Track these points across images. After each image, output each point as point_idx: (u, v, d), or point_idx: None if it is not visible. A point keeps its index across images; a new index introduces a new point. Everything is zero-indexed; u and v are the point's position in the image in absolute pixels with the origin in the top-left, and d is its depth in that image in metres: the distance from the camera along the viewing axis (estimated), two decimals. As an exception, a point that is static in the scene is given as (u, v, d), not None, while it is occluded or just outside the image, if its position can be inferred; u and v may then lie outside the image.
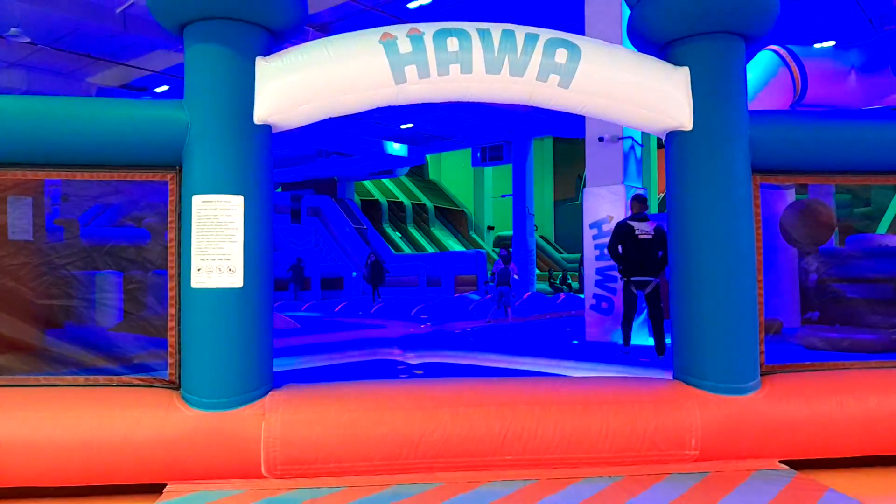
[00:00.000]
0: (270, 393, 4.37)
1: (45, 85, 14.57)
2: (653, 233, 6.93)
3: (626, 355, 7.24)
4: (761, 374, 4.64)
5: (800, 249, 7.96)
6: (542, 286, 26.40)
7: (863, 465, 4.53)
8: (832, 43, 12.67)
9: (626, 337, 7.50)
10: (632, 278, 7.01)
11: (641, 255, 6.91)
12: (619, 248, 7.08)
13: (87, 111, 4.43)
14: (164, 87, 16.65)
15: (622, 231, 7.06)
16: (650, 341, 8.83)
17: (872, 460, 4.54)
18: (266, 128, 4.40)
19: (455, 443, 4.19)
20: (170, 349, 4.41)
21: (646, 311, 7.82)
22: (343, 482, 4.04)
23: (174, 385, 4.37)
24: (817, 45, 12.03)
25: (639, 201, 7.28)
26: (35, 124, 4.27)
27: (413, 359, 7.50)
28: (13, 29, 12.10)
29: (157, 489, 3.97)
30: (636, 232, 6.95)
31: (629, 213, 7.62)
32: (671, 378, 4.85)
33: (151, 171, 4.44)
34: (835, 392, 4.56)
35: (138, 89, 16.68)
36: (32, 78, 14.47)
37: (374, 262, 18.29)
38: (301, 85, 4.33)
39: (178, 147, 4.28)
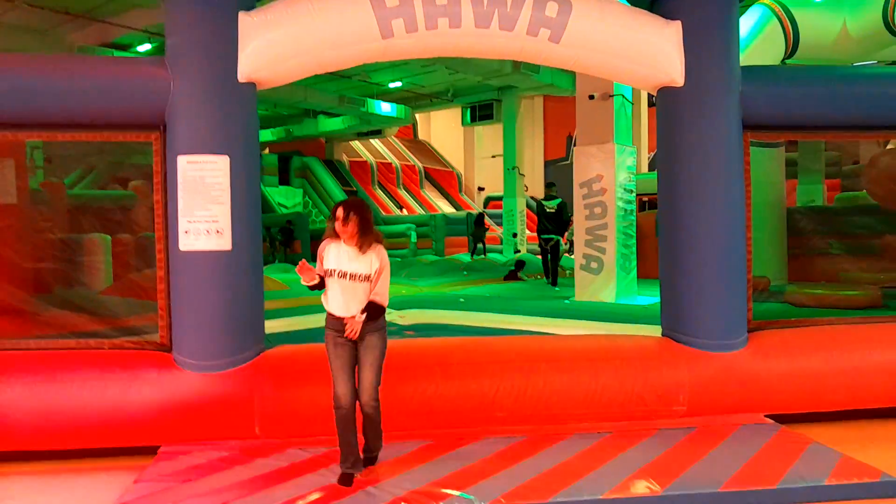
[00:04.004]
0: (262, 354, 4.38)
1: (23, 43, 14.17)
2: (556, 208, 10.42)
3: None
4: (748, 331, 4.69)
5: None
6: (533, 246, 26.43)
7: (846, 418, 4.62)
8: (825, -3, 12.51)
9: (549, 277, 10.80)
10: (542, 237, 10.61)
11: (548, 223, 10.48)
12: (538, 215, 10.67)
13: (67, 69, 4.32)
14: (147, 46, 16.26)
15: (539, 207, 10.64)
16: (637, 299, 8.90)
17: (856, 414, 4.63)
18: (251, 86, 4.31)
19: (447, 400, 4.24)
20: (160, 312, 4.39)
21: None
22: (335, 440, 4.08)
23: (165, 347, 4.37)
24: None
25: (548, 187, 11.06)
26: (13, 83, 4.16)
27: (404, 319, 7.53)
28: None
29: (151, 451, 3.99)
30: (546, 209, 10.50)
31: (545, 195, 10.94)
32: (660, 335, 4.90)
33: (135, 131, 4.36)
34: (820, 348, 4.63)
35: (120, 47, 16.27)
36: (9, 36, 14.07)
37: (285, 228, 19.61)
38: (285, 40, 4.23)
39: (161, 106, 4.20)
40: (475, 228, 18.95)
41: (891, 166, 7.37)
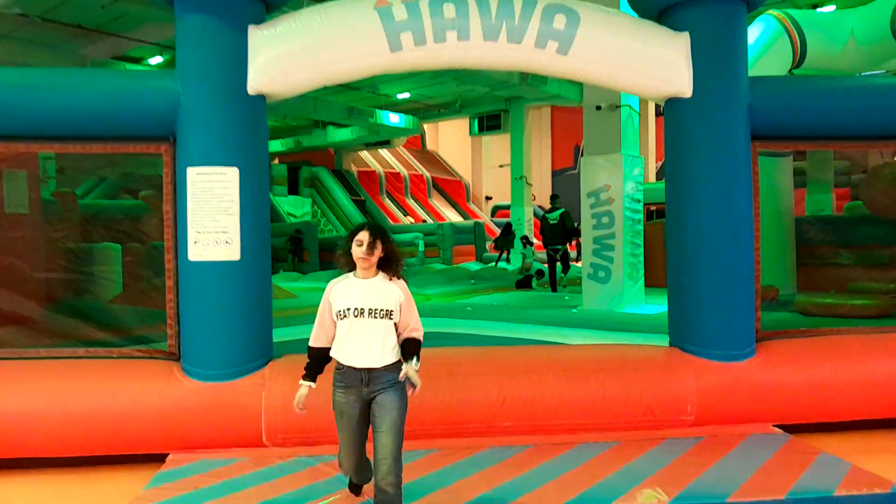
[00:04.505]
0: (270, 363, 4.41)
1: (36, 58, 14.36)
2: (559, 219, 11.16)
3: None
4: (757, 341, 4.68)
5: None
6: (541, 255, 26.36)
7: (856, 428, 4.59)
8: (832, 7, 12.51)
9: (553, 286, 11.47)
10: (549, 247, 11.45)
11: (553, 234, 11.30)
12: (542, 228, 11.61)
13: (78, 82, 4.40)
14: (159, 59, 16.44)
15: (543, 220, 11.57)
16: (645, 308, 8.88)
17: (866, 424, 4.60)
18: (260, 98, 4.36)
19: (453, 410, 4.24)
20: (169, 321, 4.43)
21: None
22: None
23: (174, 356, 4.40)
24: (818, 10, 11.88)
25: (552, 200, 11.78)
26: (26, 96, 4.23)
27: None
28: (2, 1, 11.90)
29: (159, 458, 4.02)
30: (549, 221, 11.31)
31: (549, 208, 11.74)
32: (667, 345, 4.89)
33: (145, 143, 4.41)
34: (829, 358, 4.61)
35: (132, 60, 16.45)
36: (23, 51, 14.26)
37: (294, 237, 19.70)
38: (294, 54, 4.28)
39: (171, 118, 4.25)
40: (502, 239, 18.80)
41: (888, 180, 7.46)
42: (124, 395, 4.09)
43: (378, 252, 2.99)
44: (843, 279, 7.59)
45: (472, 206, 32.58)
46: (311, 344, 3.11)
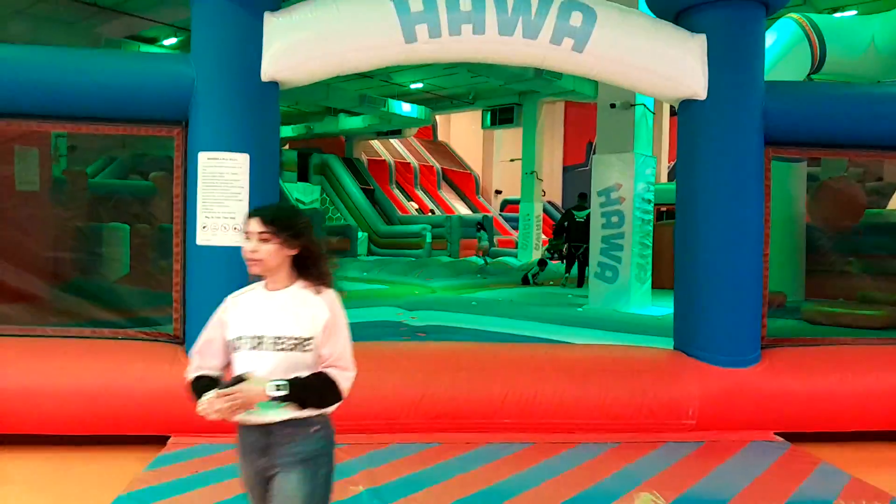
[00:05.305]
0: (273, 350, 4.41)
1: (50, 35, 14.38)
2: (585, 217, 11.24)
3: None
4: (762, 348, 4.65)
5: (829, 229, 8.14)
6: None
7: (858, 439, 4.56)
8: (854, 12, 12.36)
9: (580, 281, 11.96)
10: (573, 244, 12.03)
11: (577, 231, 11.72)
12: (566, 224, 12.22)
13: (92, 62, 4.40)
14: (173, 40, 16.44)
15: (569, 215, 12.13)
16: (651, 309, 8.86)
17: (868, 435, 4.57)
18: (273, 85, 4.35)
19: (454, 405, 4.24)
20: (174, 304, 4.44)
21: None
22: (343, 439, 4.07)
23: (178, 340, 4.41)
24: (838, 15, 11.74)
25: (581, 198, 12.10)
26: (39, 74, 4.24)
27: (415, 321, 7.55)
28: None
29: (161, 440, 4.04)
30: (576, 218, 11.85)
31: (575, 204, 12.26)
32: (672, 347, 4.87)
33: (157, 125, 4.42)
34: (834, 367, 4.58)
35: (147, 40, 16.46)
36: (38, 27, 14.29)
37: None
38: (309, 42, 4.26)
39: (183, 102, 4.25)
40: (556, 237, 14.80)
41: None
42: (128, 376, 4.11)
43: (278, 249, 1.98)
44: (852, 288, 7.54)
45: (482, 200, 32.55)
46: (186, 376, 2.07)
